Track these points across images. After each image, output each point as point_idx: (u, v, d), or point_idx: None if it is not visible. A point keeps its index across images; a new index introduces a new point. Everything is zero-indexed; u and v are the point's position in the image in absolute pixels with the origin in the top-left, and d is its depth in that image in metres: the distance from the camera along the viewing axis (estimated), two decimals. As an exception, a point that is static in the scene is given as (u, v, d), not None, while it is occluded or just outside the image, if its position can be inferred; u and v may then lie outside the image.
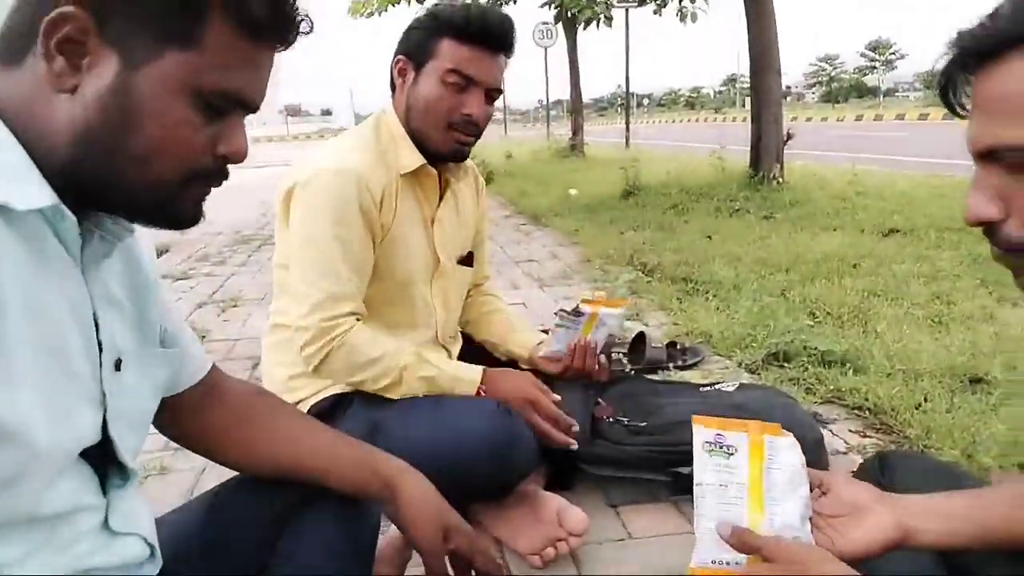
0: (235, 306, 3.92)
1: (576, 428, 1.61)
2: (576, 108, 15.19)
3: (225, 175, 0.74)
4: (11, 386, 0.60)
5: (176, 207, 0.72)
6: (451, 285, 1.77)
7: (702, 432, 0.94)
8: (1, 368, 0.59)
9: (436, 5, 1.62)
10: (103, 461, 0.75)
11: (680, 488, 1.77)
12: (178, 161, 0.68)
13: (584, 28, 12.93)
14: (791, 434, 0.95)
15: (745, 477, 0.90)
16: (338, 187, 1.50)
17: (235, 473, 1.02)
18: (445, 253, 1.71)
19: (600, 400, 1.93)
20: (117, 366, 0.74)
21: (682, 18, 12.08)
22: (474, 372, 1.58)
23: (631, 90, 18.88)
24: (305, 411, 1.59)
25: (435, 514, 0.96)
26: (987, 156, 0.70)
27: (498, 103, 1.71)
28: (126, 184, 0.68)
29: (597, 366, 1.80)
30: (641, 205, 6.65)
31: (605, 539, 1.64)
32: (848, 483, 0.97)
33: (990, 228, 0.73)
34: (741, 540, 0.85)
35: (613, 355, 2.28)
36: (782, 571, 0.80)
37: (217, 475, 1.02)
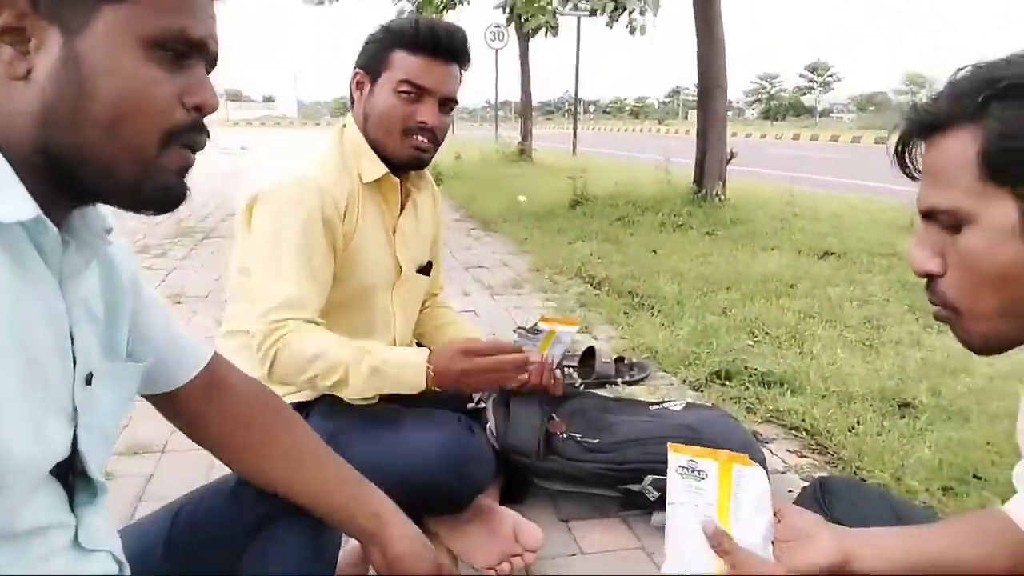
0: (179, 303, 3.83)
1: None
2: (526, 113, 15.29)
3: (202, 131, 0.71)
4: None
5: (158, 177, 0.68)
6: (410, 294, 1.79)
7: (676, 458, 0.99)
8: None
9: (393, 20, 1.64)
10: (70, 477, 0.75)
11: (630, 504, 1.83)
12: (147, 119, 0.66)
13: (532, 36, 13.04)
14: (758, 464, 1.01)
15: (714, 499, 0.96)
16: (300, 197, 1.51)
17: (178, 481, 1.01)
18: (406, 262, 1.73)
19: (554, 416, 1.97)
20: (88, 380, 0.74)
21: (632, 31, 12.33)
22: (419, 354, 1.51)
23: (579, 96, 19.10)
24: None
25: (422, 563, 0.97)
26: (928, 216, 0.80)
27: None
28: (99, 157, 0.66)
29: (553, 380, 1.85)
30: (589, 215, 6.75)
31: (557, 554, 1.68)
32: (798, 511, 1.04)
33: (932, 283, 0.82)
34: (719, 540, 0.89)
35: (564, 369, 2.34)
36: None
37: (162, 482, 1.02)
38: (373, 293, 1.67)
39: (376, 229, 1.64)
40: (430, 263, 1.86)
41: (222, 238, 5.86)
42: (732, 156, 7.31)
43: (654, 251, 5.15)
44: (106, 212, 0.76)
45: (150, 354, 0.88)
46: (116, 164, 0.66)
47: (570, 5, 13.49)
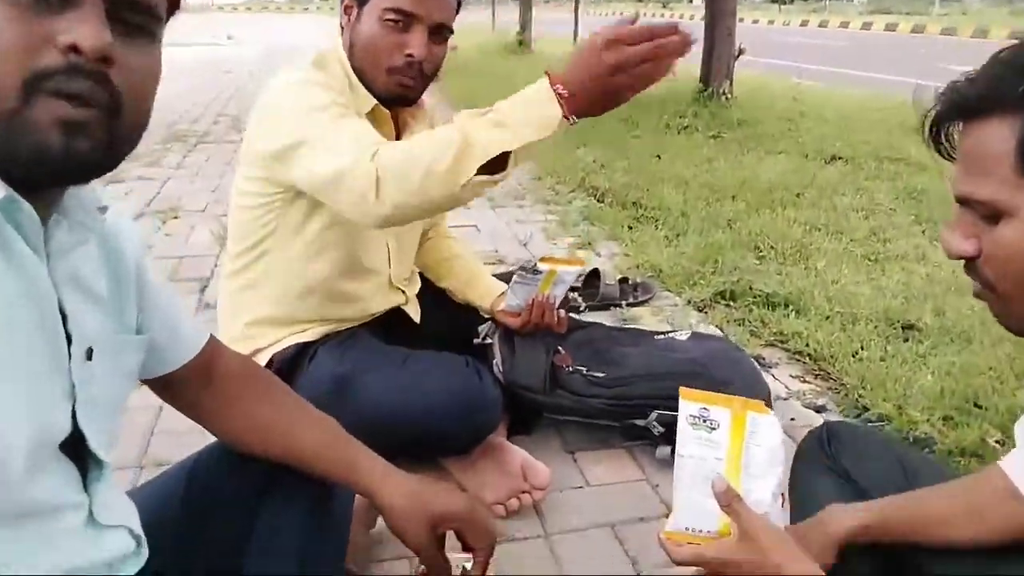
0: (176, 217, 3.78)
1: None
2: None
3: (83, 74, 0.59)
4: None
5: (26, 132, 0.59)
6: (407, 232, 1.74)
7: (687, 406, 0.94)
8: None
9: None
10: (80, 455, 0.75)
11: (634, 435, 1.86)
12: (5, 66, 0.57)
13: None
14: (772, 412, 0.98)
15: (724, 452, 0.93)
16: (316, 80, 1.46)
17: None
18: None
19: (560, 348, 1.98)
20: (88, 355, 0.73)
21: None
22: (540, 82, 1.17)
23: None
24: (265, 361, 1.59)
25: (419, 516, 0.97)
26: (964, 202, 0.78)
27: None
28: None
29: (556, 320, 1.83)
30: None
31: (564, 486, 1.72)
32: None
33: (970, 264, 0.80)
34: (728, 500, 0.88)
35: (568, 306, 2.33)
36: (747, 553, 0.86)
37: (174, 416, 1.02)
38: (362, 233, 1.60)
39: None
40: None
41: (215, 143, 5.72)
42: (741, 52, 7.05)
43: (658, 156, 5.05)
44: (100, 191, 0.74)
45: (154, 331, 0.88)
46: None
47: None
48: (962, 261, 0.81)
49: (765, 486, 0.92)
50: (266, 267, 1.60)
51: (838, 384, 2.19)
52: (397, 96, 1.52)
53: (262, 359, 1.59)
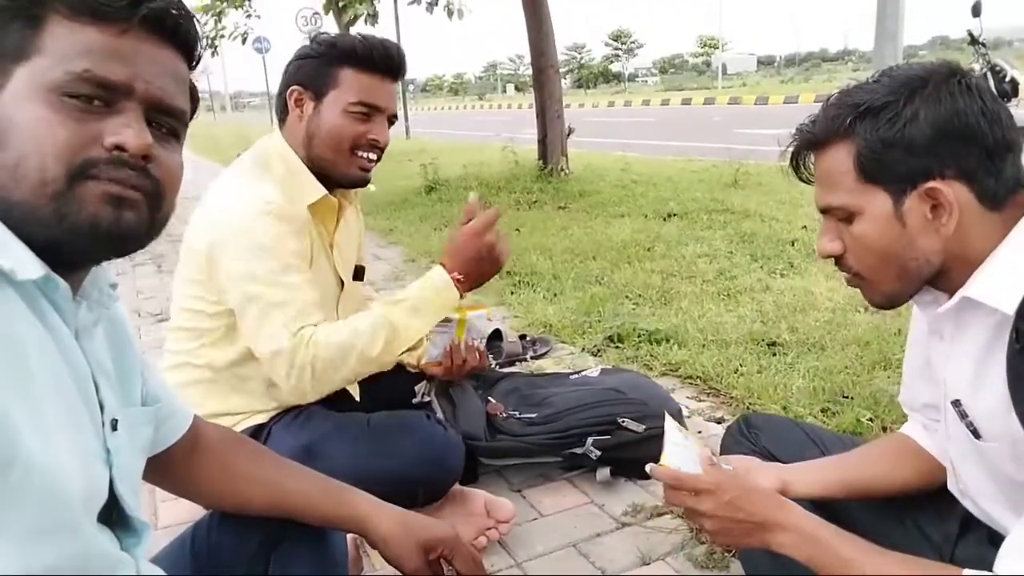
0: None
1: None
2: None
3: (128, 167, 0.70)
4: (47, 435, 0.65)
5: (74, 209, 0.68)
6: (352, 303, 1.84)
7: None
8: (35, 418, 0.63)
9: (320, 35, 1.64)
10: (110, 522, 0.80)
11: (572, 466, 2.03)
12: (50, 158, 0.66)
13: (353, 23, 12.86)
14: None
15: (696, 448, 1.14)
16: (272, 227, 1.50)
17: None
18: (345, 274, 1.77)
19: (489, 399, 2.13)
20: (114, 426, 0.79)
21: (449, 15, 12.50)
22: (438, 273, 1.59)
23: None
24: None
25: (411, 542, 1.05)
26: (825, 211, 1.04)
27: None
28: (17, 201, 0.67)
29: (478, 359, 1.92)
30: (445, 200, 6.88)
31: (522, 520, 1.85)
32: (743, 458, 1.29)
33: (839, 260, 1.05)
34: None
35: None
36: (721, 479, 1.02)
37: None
38: (323, 312, 1.67)
39: (317, 251, 1.66)
40: (362, 267, 1.90)
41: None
42: (571, 131, 7.70)
43: (517, 230, 5.38)
44: (108, 269, 0.81)
45: (160, 403, 0.94)
46: (29, 203, 0.67)
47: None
48: (831, 262, 1.05)
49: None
50: (210, 364, 1.64)
51: (728, 398, 2.49)
52: (359, 178, 1.64)
53: None
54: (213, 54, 14.05)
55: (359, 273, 1.88)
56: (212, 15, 13.13)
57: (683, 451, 1.10)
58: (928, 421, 1.19)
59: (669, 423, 1.14)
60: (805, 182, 1.05)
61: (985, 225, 0.93)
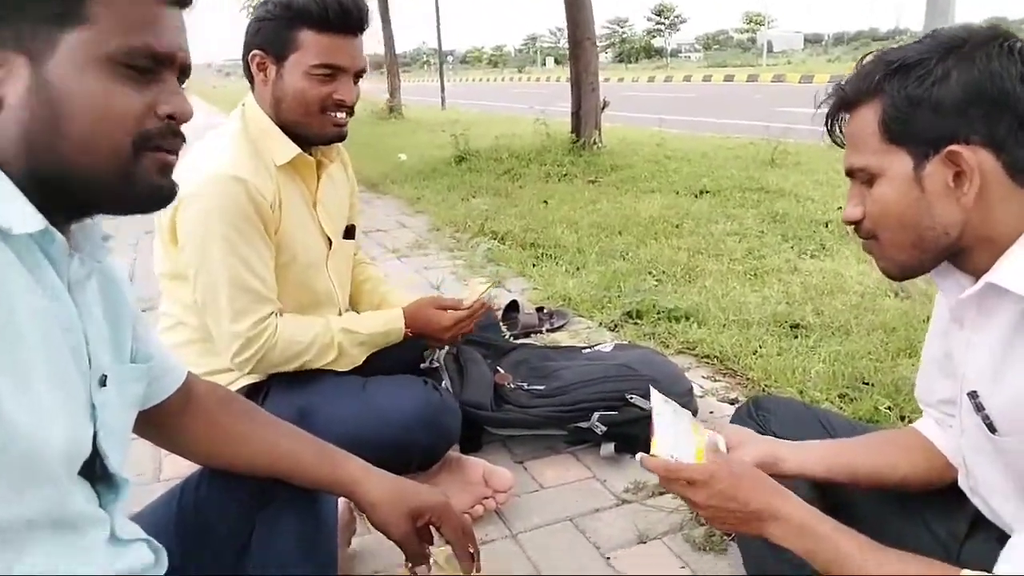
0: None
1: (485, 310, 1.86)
2: (392, 68, 15.00)
3: (177, 135, 0.75)
4: (30, 390, 0.65)
5: (139, 180, 0.72)
6: (343, 262, 1.82)
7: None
8: (20, 373, 0.65)
9: None
10: (92, 477, 0.79)
11: (577, 440, 2.00)
12: (119, 131, 0.70)
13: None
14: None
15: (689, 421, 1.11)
16: (230, 196, 1.48)
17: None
18: (333, 232, 1.75)
19: (499, 368, 2.10)
20: (103, 382, 0.78)
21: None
22: (397, 320, 1.73)
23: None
24: None
25: (400, 508, 1.05)
26: (850, 174, 0.98)
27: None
28: (82, 172, 0.70)
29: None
30: (475, 171, 6.82)
31: (521, 492, 1.83)
32: (740, 430, 1.23)
33: (859, 225, 0.99)
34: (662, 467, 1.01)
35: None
36: (715, 470, 0.98)
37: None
38: (311, 270, 1.69)
39: (299, 209, 1.64)
40: (352, 226, 1.86)
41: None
42: (606, 104, 7.58)
43: (545, 202, 5.32)
44: (101, 222, 0.80)
45: (152, 360, 0.93)
46: (98, 175, 0.71)
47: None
48: (851, 230, 1.00)
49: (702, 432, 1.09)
50: (203, 324, 1.62)
51: (745, 379, 2.43)
52: (334, 136, 1.61)
53: None
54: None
55: (350, 232, 1.85)
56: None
57: (673, 430, 1.06)
58: (943, 416, 1.13)
59: (655, 397, 1.10)
60: (839, 145, 1.00)
61: (1013, 202, 0.87)
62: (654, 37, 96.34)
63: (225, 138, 1.59)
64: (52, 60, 0.68)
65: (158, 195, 0.75)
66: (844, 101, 0.96)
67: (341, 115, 1.59)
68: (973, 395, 0.95)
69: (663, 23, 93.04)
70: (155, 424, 1.00)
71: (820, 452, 1.19)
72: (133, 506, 1.01)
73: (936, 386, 1.13)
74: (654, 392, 1.12)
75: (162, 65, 0.73)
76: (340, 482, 1.05)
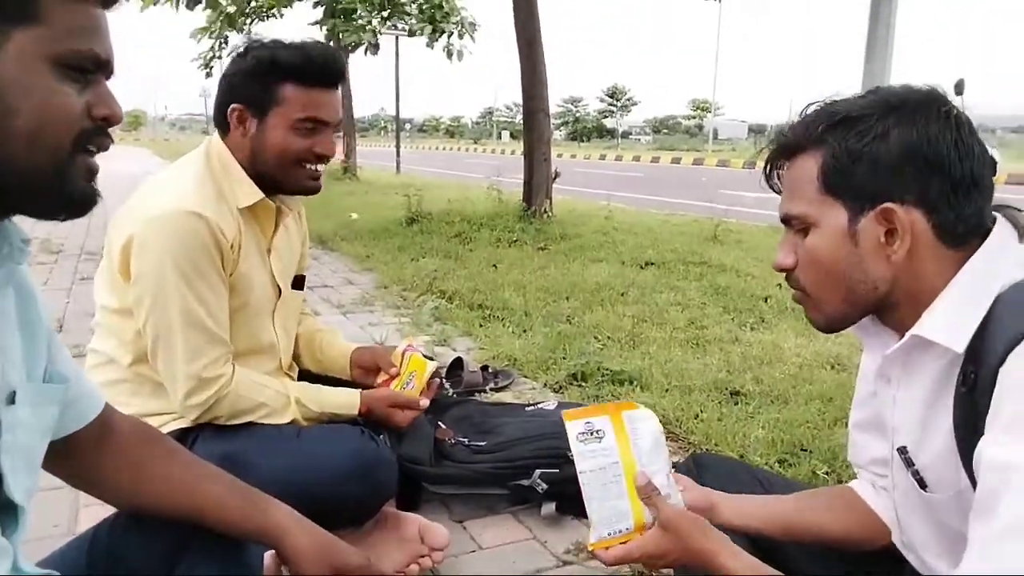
0: None
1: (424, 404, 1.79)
2: (349, 130, 15.13)
3: (107, 137, 0.76)
4: None
5: (71, 180, 0.72)
6: (290, 313, 1.78)
7: (573, 425, 1.03)
8: None
9: (254, 43, 1.58)
10: None
11: (517, 500, 1.96)
12: (61, 129, 0.70)
13: (352, 51, 13.00)
14: (641, 407, 1.09)
15: (617, 455, 1.03)
16: (191, 232, 1.46)
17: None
18: (283, 282, 1.72)
19: (440, 423, 2.07)
20: (11, 399, 0.74)
21: (449, 55, 12.68)
22: (352, 407, 1.69)
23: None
24: None
25: (322, 565, 1.00)
26: (785, 221, 1.00)
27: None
28: (20, 166, 0.69)
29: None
30: (426, 232, 6.85)
31: (458, 552, 1.77)
32: (679, 476, 1.20)
33: (790, 275, 1.01)
34: (648, 492, 1.01)
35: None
36: (670, 542, 0.98)
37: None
38: (257, 318, 1.66)
39: (254, 254, 1.62)
40: (302, 277, 1.85)
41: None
42: (557, 175, 7.74)
43: (494, 266, 5.35)
44: (21, 225, 0.77)
45: (65, 381, 0.88)
46: (36, 172, 0.70)
47: (388, 25, 13.59)
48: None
49: (659, 471, 1.04)
50: (134, 363, 1.57)
51: (687, 443, 2.43)
52: (311, 188, 1.62)
53: None
54: (207, 75, 14.08)
55: (299, 282, 1.83)
56: (214, 38, 13.20)
57: (602, 492, 1.01)
58: (876, 477, 1.14)
59: (577, 452, 1.02)
60: (776, 192, 1.01)
61: (939, 261, 0.89)
62: (606, 117, 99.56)
63: (187, 174, 1.56)
64: (1, 55, 0.67)
65: (84, 198, 0.75)
66: (785, 148, 0.98)
67: (319, 167, 1.60)
68: (903, 450, 0.96)
69: (615, 104, 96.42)
70: (67, 457, 0.93)
71: (755, 505, 1.18)
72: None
73: (866, 447, 1.13)
74: (574, 444, 1.02)
75: (100, 69, 0.74)
76: (266, 531, 0.99)
